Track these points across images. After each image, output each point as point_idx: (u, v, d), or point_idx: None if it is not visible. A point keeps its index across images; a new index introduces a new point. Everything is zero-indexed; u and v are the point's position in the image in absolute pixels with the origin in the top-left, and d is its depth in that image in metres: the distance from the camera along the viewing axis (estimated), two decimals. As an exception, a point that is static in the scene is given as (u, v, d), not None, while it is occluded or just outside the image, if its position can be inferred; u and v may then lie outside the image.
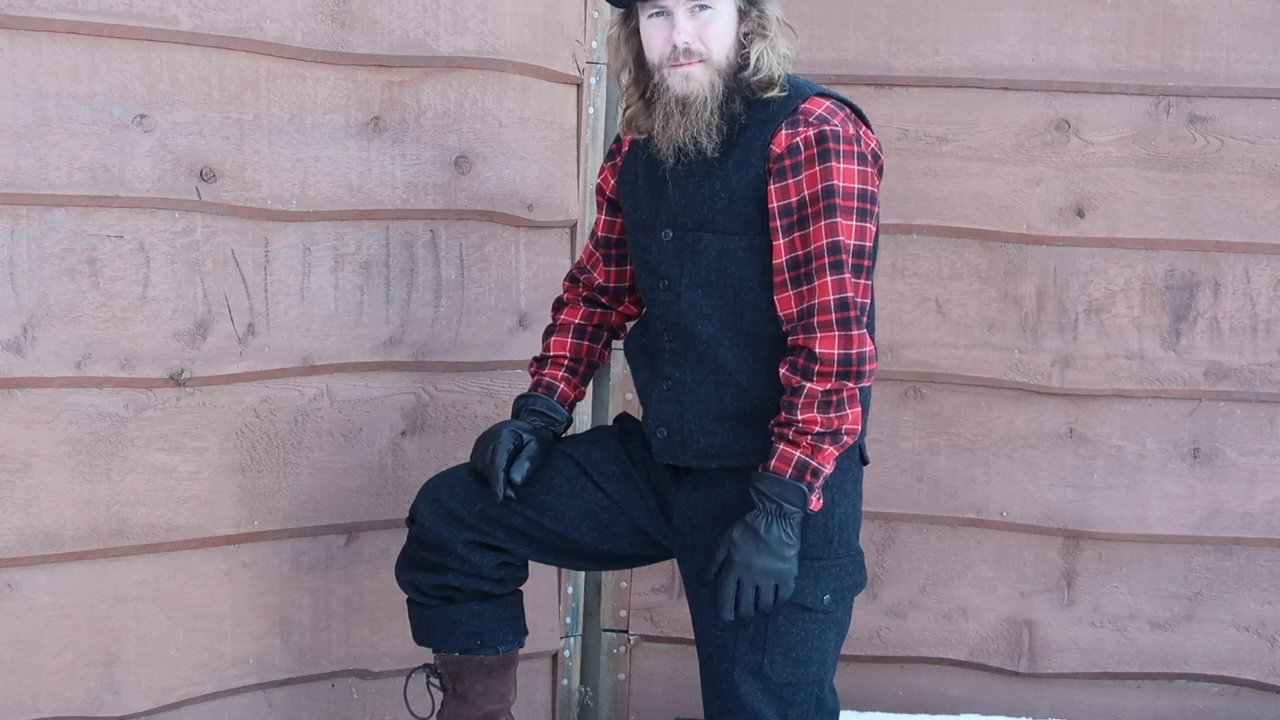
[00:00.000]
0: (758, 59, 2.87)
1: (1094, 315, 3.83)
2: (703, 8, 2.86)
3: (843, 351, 2.81)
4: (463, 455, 3.48)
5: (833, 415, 2.82)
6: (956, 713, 3.95)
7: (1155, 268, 3.83)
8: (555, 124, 3.66)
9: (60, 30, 3.02)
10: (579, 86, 3.71)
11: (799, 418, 2.81)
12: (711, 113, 2.86)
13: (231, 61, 3.21)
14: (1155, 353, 3.83)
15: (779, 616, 2.91)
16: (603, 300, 3.21)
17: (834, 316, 2.81)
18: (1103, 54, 3.78)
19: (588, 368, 3.20)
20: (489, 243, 3.58)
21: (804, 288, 2.84)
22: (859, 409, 2.86)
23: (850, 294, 2.82)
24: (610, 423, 3.42)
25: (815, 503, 2.86)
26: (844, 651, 3.06)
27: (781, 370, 2.85)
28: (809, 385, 2.81)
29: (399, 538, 3.24)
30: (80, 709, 3.19)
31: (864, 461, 3.03)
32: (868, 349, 2.83)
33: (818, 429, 2.82)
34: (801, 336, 2.84)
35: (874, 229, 2.88)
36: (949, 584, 3.92)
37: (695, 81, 2.86)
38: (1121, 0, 3.77)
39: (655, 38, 2.90)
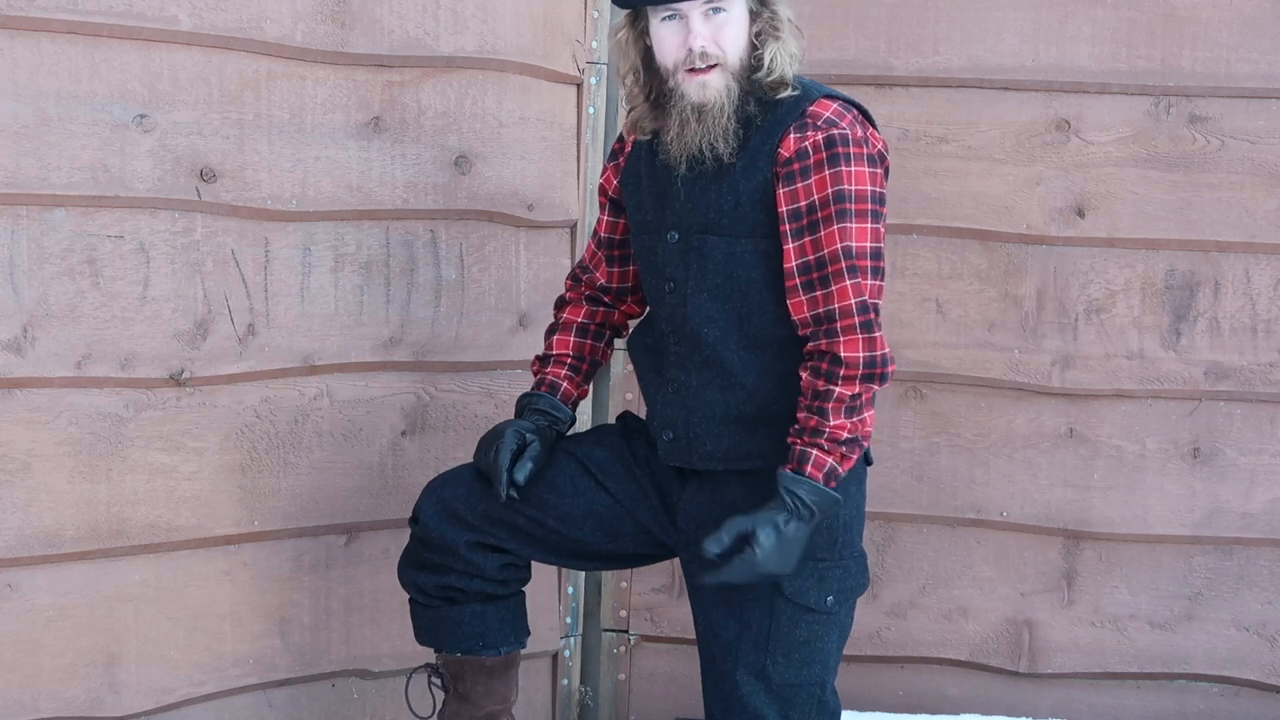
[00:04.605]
0: (771, 60, 2.85)
1: (1094, 315, 3.83)
2: (716, 10, 2.84)
3: (867, 354, 2.81)
4: (463, 455, 3.48)
5: (858, 420, 2.82)
6: (956, 713, 3.94)
7: (1155, 268, 3.82)
8: (555, 124, 3.66)
9: (60, 30, 3.02)
10: (579, 86, 3.71)
11: (830, 424, 2.80)
12: (728, 119, 2.84)
13: (231, 61, 3.21)
14: (1155, 353, 3.83)
15: (782, 617, 2.90)
16: (605, 299, 3.20)
17: (856, 320, 2.80)
18: (1103, 54, 3.78)
19: (590, 366, 3.19)
20: (489, 243, 3.58)
21: (818, 292, 2.82)
22: (874, 412, 2.87)
23: (868, 297, 2.82)
24: (612, 421, 3.42)
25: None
26: (844, 651, 3.05)
27: (804, 375, 2.84)
28: (837, 389, 2.80)
29: (399, 538, 3.23)
30: (80, 709, 3.19)
31: (868, 462, 3.02)
32: (888, 351, 2.84)
33: (846, 435, 2.81)
34: (824, 341, 2.82)
35: (884, 230, 2.88)
36: (949, 584, 3.92)
37: (711, 89, 2.84)
38: (1121, 0, 3.77)
39: (669, 41, 2.87)
